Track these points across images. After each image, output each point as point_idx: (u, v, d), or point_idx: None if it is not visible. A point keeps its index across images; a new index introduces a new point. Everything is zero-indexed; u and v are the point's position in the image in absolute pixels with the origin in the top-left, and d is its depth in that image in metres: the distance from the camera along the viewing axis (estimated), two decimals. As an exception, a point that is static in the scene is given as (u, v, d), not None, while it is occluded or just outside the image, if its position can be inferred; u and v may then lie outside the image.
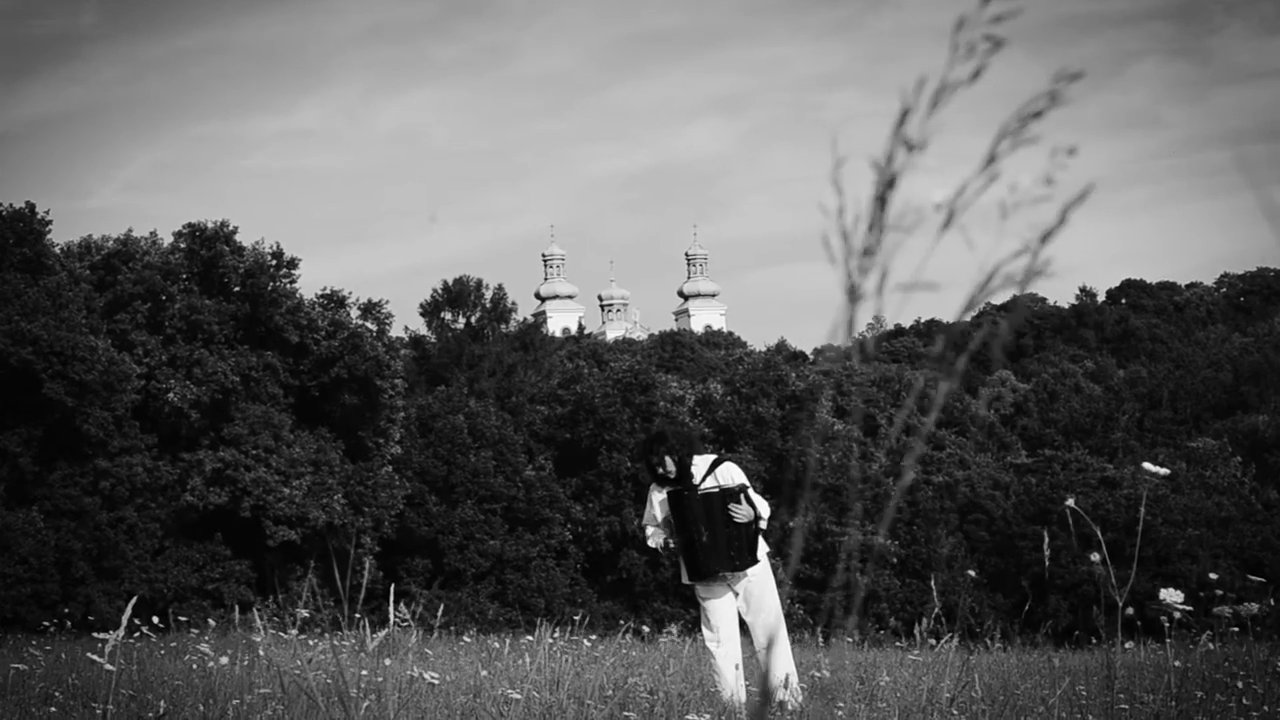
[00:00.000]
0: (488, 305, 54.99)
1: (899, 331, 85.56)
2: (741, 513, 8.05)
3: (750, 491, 8.20)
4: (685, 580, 8.32)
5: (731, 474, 8.25)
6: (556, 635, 11.43)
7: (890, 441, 49.12)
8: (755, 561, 8.17)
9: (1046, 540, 7.06)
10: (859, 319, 1.28)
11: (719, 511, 8.06)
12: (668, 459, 8.12)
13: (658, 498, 8.30)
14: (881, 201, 1.28)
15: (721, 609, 8.23)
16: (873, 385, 54.19)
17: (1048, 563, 7.67)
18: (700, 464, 8.23)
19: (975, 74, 1.26)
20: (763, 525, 8.18)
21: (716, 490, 8.12)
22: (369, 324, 44.45)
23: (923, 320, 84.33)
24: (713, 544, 8.04)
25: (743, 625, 8.36)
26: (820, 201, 1.27)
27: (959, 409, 58.55)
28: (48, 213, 41.86)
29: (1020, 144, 1.26)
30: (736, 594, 8.27)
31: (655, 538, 8.33)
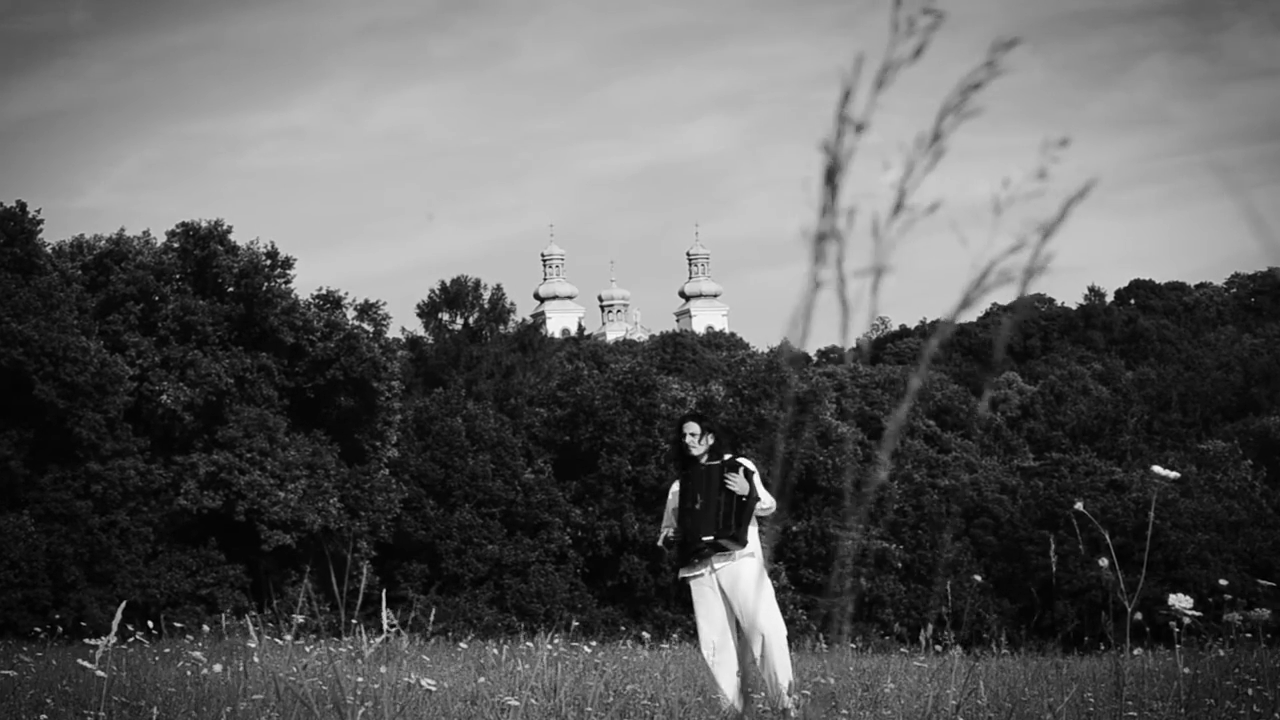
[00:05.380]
0: (486, 306, 54.62)
1: (903, 333, 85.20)
2: (737, 482, 8.16)
3: (756, 479, 8.31)
4: (679, 574, 8.44)
5: (744, 465, 8.37)
6: (556, 641, 11.45)
7: (891, 443, 48.69)
8: (741, 542, 8.23)
9: (1053, 546, 6.72)
10: (832, 313, 1.29)
11: (717, 479, 8.24)
12: (698, 428, 8.36)
13: (674, 491, 8.49)
14: (832, 184, 1.28)
15: (713, 612, 8.29)
16: (876, 387, 53.70)
17: (1054, 568, 7.33)
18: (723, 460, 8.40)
19: (917, 51, 1.26)
20: (760, 511, 8.30)
21: (718, 463, 8.32)
22: (365, 325, 44.17)
23: (928, 321, 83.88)
24: (704, 510, 8.21)
25: (742, 632, 8.39)
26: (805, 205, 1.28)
27: (964, 411, 58.00)
28: (39, 212, 41.68)
29: (964, 118, 1.27)
30: (725, 595, 8.27)
31: (662, 533, 8.53)
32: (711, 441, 8.38)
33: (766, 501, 8.32)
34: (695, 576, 8.33)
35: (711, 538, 8.19)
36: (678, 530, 8.37)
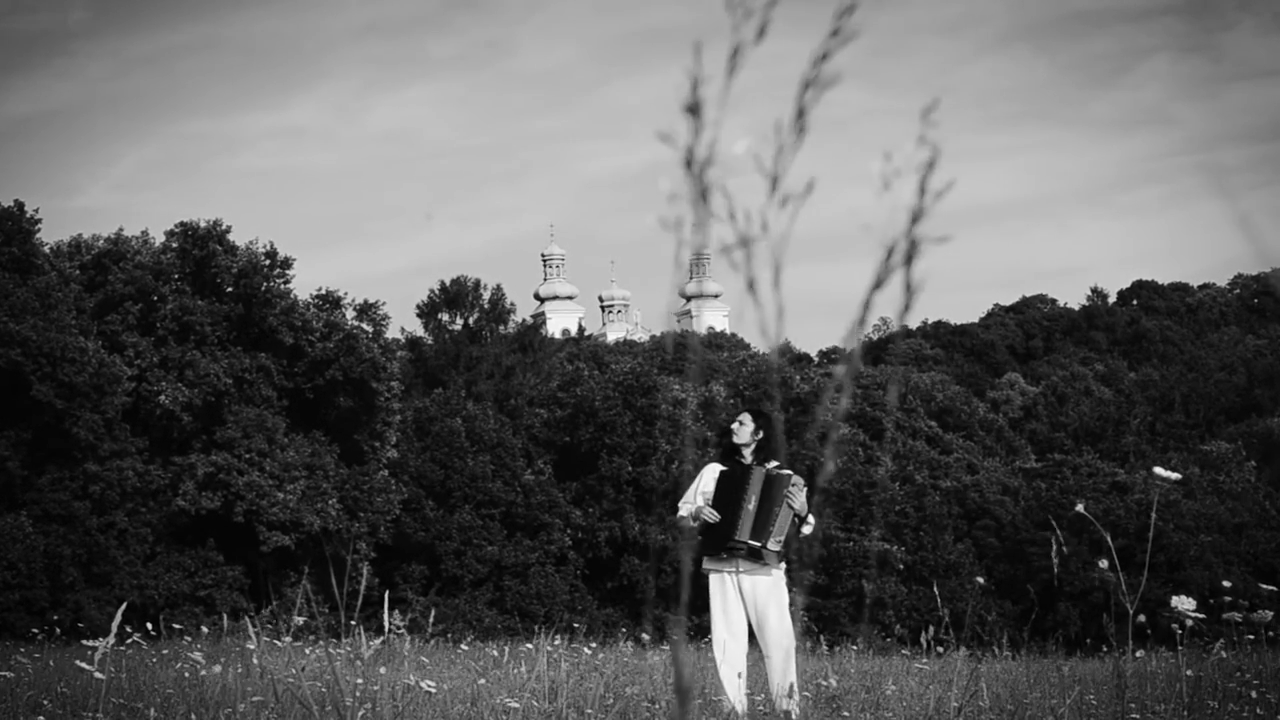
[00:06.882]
0: (486, 306, 54.48)
1: (906, 334, 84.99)
2: (799, 499, 8.13)
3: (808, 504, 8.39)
4: (703, 564, 8.35)
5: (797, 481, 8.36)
6: (556, 642, 11.45)
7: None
8: (783, 558, 8.22)
9: (1055, 547, 6.65)
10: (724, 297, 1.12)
11: (778, 489, 8.14)
12: (750, 420, 8.31)
13: (710, 474, 8.37)
14: (690, 166, 1.30)
15: (730, 613, 8.25)
16: (878, 388, 53.55)
17: (1056, 569, 7.22)
18: (771, 466, 8.36)
19: (761, 31, 1.27)
20: (806, 530, 8.24)
21: (787, 473, 8.23)
22: (365, 325, 44.07)
23: (929, 321, 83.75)
24: (755, 513, 8.12)
25: (752, 636, 8.37)
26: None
27: (966, 412, 57.85)
28: (37, 211, 41.52)
29: (822, 89, 1.28)
30: (744, 599, 8.22)
31: (686, 507, 8.36)
32: (760, 438, 8.32)
33: (809, 528, 8.28)
34: (719, 573, 8.28)
35: (760, 544, 8.12)
36: (715, 513, 8.23)
